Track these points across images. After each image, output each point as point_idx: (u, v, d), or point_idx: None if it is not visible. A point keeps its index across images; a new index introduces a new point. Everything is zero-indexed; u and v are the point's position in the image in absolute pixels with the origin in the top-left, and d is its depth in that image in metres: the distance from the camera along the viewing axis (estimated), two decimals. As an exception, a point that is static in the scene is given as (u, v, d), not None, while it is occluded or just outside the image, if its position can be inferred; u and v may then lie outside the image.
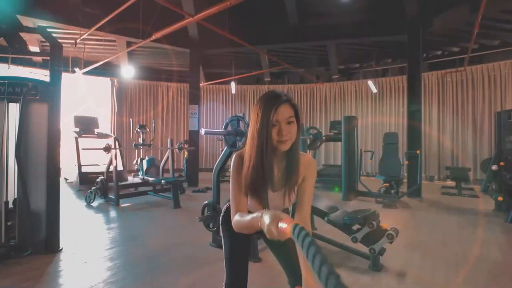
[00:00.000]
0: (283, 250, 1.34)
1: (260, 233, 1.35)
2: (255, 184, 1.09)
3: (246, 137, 1.16)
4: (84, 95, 8.86)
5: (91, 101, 8.97)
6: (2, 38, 2.90)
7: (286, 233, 0.76)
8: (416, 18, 6.18)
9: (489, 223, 4.05)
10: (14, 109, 2.86)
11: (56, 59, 3.01)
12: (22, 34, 3.15)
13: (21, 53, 3.03)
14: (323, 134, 7.75)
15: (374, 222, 2.57)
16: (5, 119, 2.80)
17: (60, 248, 2.96)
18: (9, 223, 2.81)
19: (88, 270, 2.55)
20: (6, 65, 3.12)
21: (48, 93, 2.92)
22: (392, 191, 5.68)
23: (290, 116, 1.05)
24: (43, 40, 5.78)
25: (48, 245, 2.88)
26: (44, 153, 2.90)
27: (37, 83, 2.90)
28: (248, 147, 1.11)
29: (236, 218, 1.09)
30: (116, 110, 9.55)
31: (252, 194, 1.13)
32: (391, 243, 2.50)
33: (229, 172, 1.20)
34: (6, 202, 2.82)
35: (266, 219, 0.83)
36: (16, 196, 2.85)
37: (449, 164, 7.77)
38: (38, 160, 2.88)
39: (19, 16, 3.16)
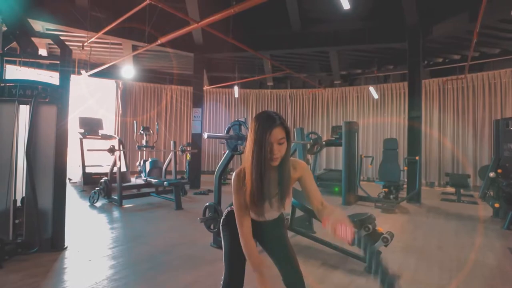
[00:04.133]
0: (279, 254, 1.45)
1: (257, 239, 1.46)
2: (256, 197, 1.23)
3: (245, 145, 1.30)
4: (89, 97, 9.00)
5: (95, 102, 9.10)
6: (14, 42, 3.02)
7: None
8: (416, 26, 6.27)
9: (486, 230, 4.10)
10: (24, 110, 2.97)
11: (66, 63, 3.12)
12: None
13: (33, 57, 3.14)
14: (325, 138, 7.83)
15: (370, 226, 2.64)
16: (16, 120, 2.91)
17: (65, 246, 3.05)
18: (17, 221, 2.91)
19: (92, 267, 2.63)
20: (15, 67, 3.24)
21: (57, 96, 3.03)
22: (391, 196, 5.74)
23: (281, 137, 1.21)
24: (51, 42, 5.94)
25: (54, 243, 2.97)
26: (52, 154, 3.00)
27: (47, 86, 3.01)
28: (247, 164, 1.23)
29: (244, 243, 1.30)
30: (120, 111, 9.66)
31: (252, 207, 1.26)
32: (386, 246, 2.58)
33: (231, 175, 1.32)
34: (15, 201, 2.93)
35: None
36: (24, 195, 2.94)
37: (449, 171, 7.82)
38: (46, 161, 2.98)
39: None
